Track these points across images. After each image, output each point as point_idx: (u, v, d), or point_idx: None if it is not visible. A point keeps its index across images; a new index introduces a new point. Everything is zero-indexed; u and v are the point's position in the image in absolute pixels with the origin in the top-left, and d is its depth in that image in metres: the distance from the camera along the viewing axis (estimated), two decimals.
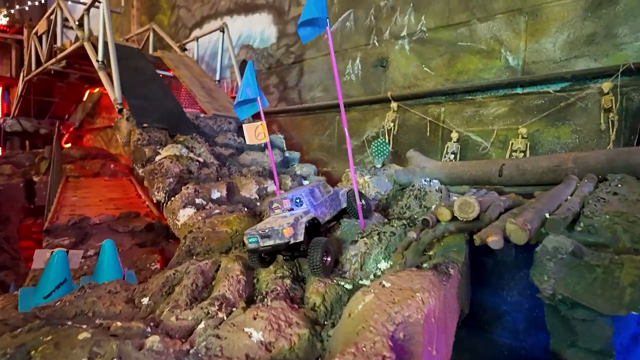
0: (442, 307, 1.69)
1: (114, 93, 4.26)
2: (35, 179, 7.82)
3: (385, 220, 2.52)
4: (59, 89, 13.32)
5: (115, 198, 6.43)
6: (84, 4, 10.69)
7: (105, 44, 4.79)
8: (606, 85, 2.96)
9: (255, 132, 2.61)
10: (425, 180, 3.07)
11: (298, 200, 2.28)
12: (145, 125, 3.93)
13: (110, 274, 2.68)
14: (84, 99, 13.84)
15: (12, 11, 15.77)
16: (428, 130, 4.19)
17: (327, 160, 5.45)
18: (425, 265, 1.93)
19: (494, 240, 1.52)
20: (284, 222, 2.08)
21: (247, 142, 2.65)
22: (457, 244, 2.00)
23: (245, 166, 4.24)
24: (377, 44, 4.75)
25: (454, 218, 1.85)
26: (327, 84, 5.44)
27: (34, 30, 9.00)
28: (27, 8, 15.77)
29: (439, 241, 2.02)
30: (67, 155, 9.66)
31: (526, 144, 3.41)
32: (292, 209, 2.29)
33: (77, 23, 5.76)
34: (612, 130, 2.96)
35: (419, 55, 4.33)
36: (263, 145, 4.88)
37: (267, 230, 2.10)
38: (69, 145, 15.52)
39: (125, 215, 4.91)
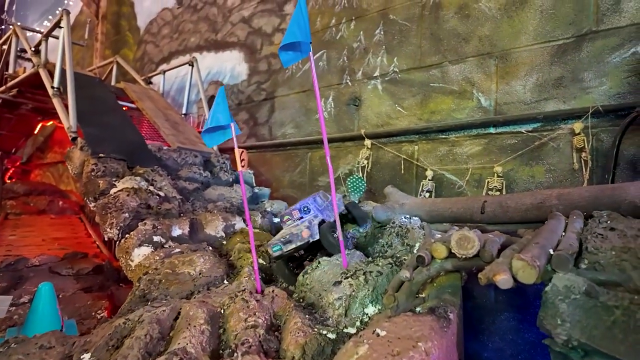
0: (444, 359, 1.46)
1: (69, 121, 3.91)
2: None
3: (369, 259, 2.31)
4: (7, 121, 12.44)
5: (61, 237, 5.81)
6: (42, 32, 10.31)
7: (63, 70, 4.49)
8: (578, 125, 3.03)
9: (240, 158, 2.39)
10: (405, 217, 2.93)
11: (306, 209, 2.65)
12: (101, 155, 3.59)
13: (45, 325, 2.24)
14: (35, 132, 13.02)
15: None
16: (402, 168, 4.12)
17: (298, 197, 5.23)
18: (419, 309, 1.72)
19: (503, 279, 1.35)
20: (302, 227, 2.46)
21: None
22: (452, 284, 1.82)
23: (211, 202, 3.94)
24: (350, 83, 4.77)
25: (450, 255, 1.69)
26: (299, 120, 5.35)
27: None
28: None
29: (431, 282, 1.83)
30: (10, 191, 8.83)
31: (502, 183, 3.40)
32: (302, 217, 2.65)
33: (33, 49, 5.42)
34: (586, 170, 2.99)
35: (392, 95, 4.36)
36: (231, 179, 4.62)
37: (287, 237, 2.46)
38: (13, 180, 14.39)
39: (71, 256, 4.38)
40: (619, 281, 1.43)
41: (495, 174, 3.43)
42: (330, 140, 4.91)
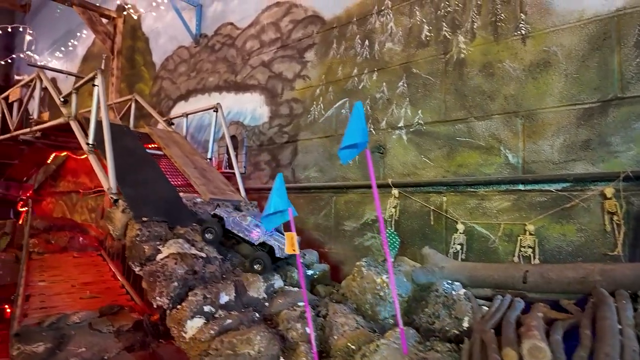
0: None
1: (108, 182, 4.04)
2: None
3: (426, 341, 2.41)
4: (20, 151, 12.65)
5: (90, 282, 5.90)
6: (62, 71, 10.50)
7: (97, 124, 4.62)
8: (609, 190, 3.16)
9: (292, 242, 2.52)
10: (447, 283, 3.04)
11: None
12: (144, 219, 3.71)
13: None
14: (48, 161, 13.19)
15: None
16: (432, 218, 4.24)
17: (324, 241, 5.35)
18: None
19: None
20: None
21: (285, 251, 2.60)
22: None
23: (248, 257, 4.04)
24: (373, 131, 4.91)
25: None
26: (323, 165, 5.49)
27: (3, 96, 8.68)
28: None
29: None
30: (30, 227, 8.90)
31: (534, 241, 3.51)
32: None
33: (62, 99, 5.57)
34: (619, 234, 3.11)
35: (417, 146, 4.50)
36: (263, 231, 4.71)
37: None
38: (24, 209, 14.48)
39: (107, 310, 4.46)
40: None
41: (527, 232, 3.55)
42: (355, 187, 5.06)
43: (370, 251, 4.79)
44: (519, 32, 3.86)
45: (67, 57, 13.04)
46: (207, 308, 3.07)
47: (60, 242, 8.10)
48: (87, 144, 4.56)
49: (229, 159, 6.42)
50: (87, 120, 5.25)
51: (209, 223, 3.99)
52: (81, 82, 5.16)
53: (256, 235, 3.88)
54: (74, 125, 5.03)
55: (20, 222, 14.21)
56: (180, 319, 3.00)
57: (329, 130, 5.45)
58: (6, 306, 8.26)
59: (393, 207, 4.51)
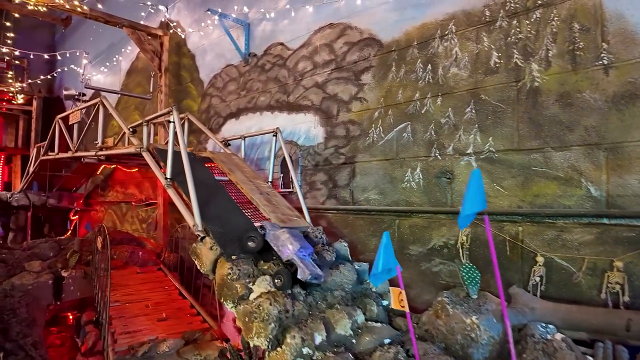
0: None
1: (193, 219, 4.24)
2: (64, 273, 7.51)
3: None
4: (68, 164, 13.28)
5: (161, 302, 6.21)
6: (118, 92, 10.86)
7: (173, 156, 4.82)
8: None
9: (399, 298, 2.61)
10: (541, 327, 3.07)
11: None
12: (233, 257, 3.89)
13: None
14: (98, 172, 13.80)
15: (24, 85, 16.03)
16: (507, 248, 4.25)
17: None
18: None
19: None
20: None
21: (392, 306, 2.69)
22: None
23: (328, 290, 4.17)
24: (439, 157, 4.92)
25: None
26: (383, 187, 5.55)
27: (61, 116, 9.11)
28: (39, 81, 16.07)
29: None
30: (90, 242, 9.38)
31: (624, 277, 3.48)
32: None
33: (131, 130, 5.84)
34: None
35: (489, 174, 4.49)
36: (334, 258, 4.83)
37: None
38: (76, 217, 15.23)
39: (190, 337, 4.71)
40: None
41: (616, 268, 3.52)
42: (420, 212, 5.10)
43: (439, 277, 4.85)
44: (600, 62, 3.79)
45: (111, 71, 13.51)
46: (305, 350, 3.22)
47: (121, 258, 8.51)
48: (166, 178, 4.77)
49: (284, 178, 6.61)
50: (157, 149, 5.51)
51: (253, 232, 4.27)
52: (154, 115, 5.39)
53: (286, 252, 4.07)
54: (148, 157, 5.27)
55: (69, 232, 14.92)
56: None
57: (390, 153, 5.49)
58: (69, 314, 8.81)
59: (465, 235, 4.53)
